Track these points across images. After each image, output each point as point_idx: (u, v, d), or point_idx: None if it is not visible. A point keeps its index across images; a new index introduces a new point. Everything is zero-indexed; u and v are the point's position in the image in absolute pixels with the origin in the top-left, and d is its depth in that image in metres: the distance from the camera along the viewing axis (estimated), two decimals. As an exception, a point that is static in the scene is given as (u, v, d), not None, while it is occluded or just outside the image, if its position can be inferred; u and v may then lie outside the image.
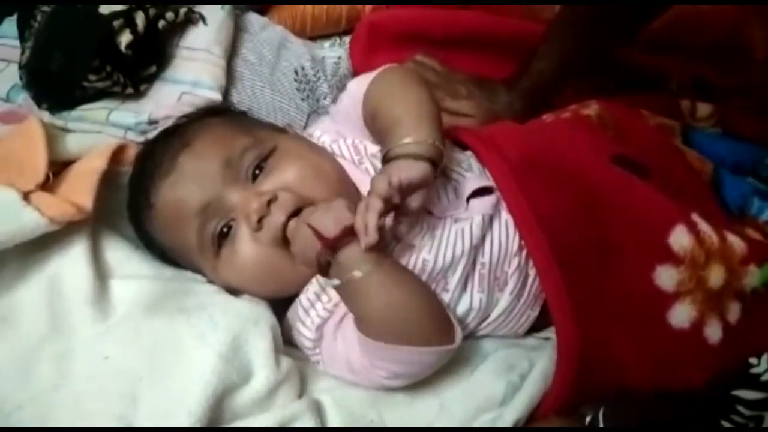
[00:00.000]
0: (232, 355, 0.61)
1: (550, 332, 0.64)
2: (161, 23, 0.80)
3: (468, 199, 0.67)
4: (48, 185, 0.68)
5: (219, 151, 0.66)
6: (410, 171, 0.60)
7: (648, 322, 0.64)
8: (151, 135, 0.75)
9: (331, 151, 0.72)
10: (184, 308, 0.65)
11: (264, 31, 0.91)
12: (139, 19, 0.77)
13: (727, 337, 0.64)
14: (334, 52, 0.96)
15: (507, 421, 0.61)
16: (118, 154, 0.73)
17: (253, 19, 0.91)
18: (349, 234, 0.58)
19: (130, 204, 0.71)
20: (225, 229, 0.65)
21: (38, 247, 0.65)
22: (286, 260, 0.64)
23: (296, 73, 0.89)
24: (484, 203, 0.67)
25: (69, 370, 0.61)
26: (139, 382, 0.60)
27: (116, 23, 0.75)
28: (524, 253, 0.65)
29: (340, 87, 0.92)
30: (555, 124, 0.76)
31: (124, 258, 0.68)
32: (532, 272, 0.66)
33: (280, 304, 0.70)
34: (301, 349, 0.68)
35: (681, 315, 0.64)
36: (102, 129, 0.77)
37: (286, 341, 0.68)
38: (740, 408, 0.57)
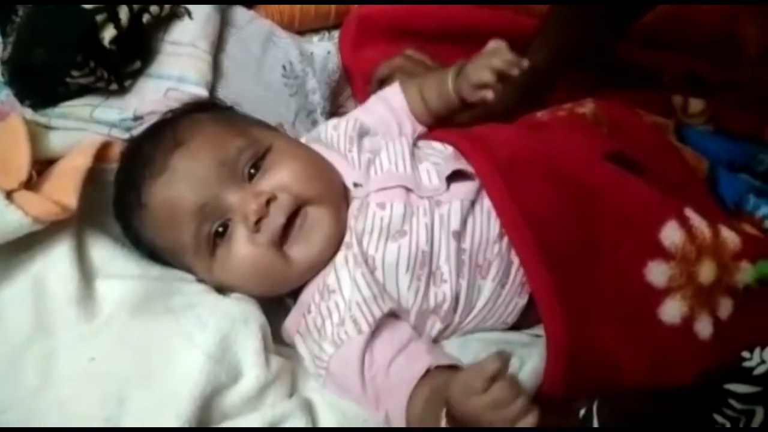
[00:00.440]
0: (221, 355, 0.60)
1: (541, 329, 0.64)
2: (145, 17, 0.79)
3: (450, 183, 0.68)
4: (31, 184, 0.66)
5: (214, 151, 0.66)
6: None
7: (639, 317, 0.64)
8: (137, 131, 0.74)
9: (328, 140, 0.73)
10: (171, 308, 0.64)
11: (251, 24, 0.90)
12: (123, 13, 0.76)
13: (717, 332, 0.64)
14: (323, 46, 0.95)
15: (499, 420, 0.61)
16: (102, 151, 0.72)
17: (240, 12, 0.90)
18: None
19: (117, 201, 0.70)
20: (221, 229, 0.65)
21: (22, 247, 0.64)
22: (281, 261, 0.64)
23: (284, 68, 0.88)
24: (466, 188, 0.68)
25: (54, 371, 0.60)
26: (126, 384, 0.59)
27: (99, 18, 0.74)
28: (505, 240, 0.66)
29: (329, 82, 0.91)
30: (550, 122, 0.76)
31: (109, 257, 0.67)
32: (515, 259, 0.66)
33: (270, 303, 0.69)
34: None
35: (672, 310, 0.64)
36: (86, 126, 0.76)
37: (277, 340, 0.67)
38: (732, 402, 0.57)
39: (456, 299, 0.66)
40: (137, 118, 0.75)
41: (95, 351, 0.61)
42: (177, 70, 0.79)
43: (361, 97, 0.90)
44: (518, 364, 0.64)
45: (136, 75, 0.79)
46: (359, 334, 0.61)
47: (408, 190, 0.67)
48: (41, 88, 0.76)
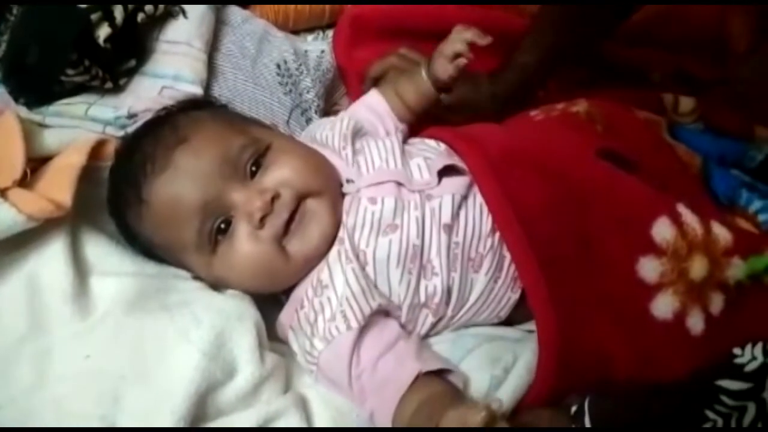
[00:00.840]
0: (216, 352, 0.60)
1: (534, 325, 0.64)
2: (140, 16, 0.79)
3: (441, 178, 0.68)
4: (26, 182, 0.66)
5: (217, 148, 0.66)
6: None
7: (631, 313, 0.65)
8: (131, 129, 0.74)
9: (323, 139, 0.74)
10: (166, 305, 0.64)
11: (246, 24, 0.90)
12: (118, 12, 0.76)
13: (709, 328, 0.64)
14: (318, 45, 0.95)
15: (492, 415, 0.61)
16: (97, 149, 0.71)
17: (235, 11, 0.90)
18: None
19: (113, 198, 0.70)
20: (222, 226, 0.66)
21: (16, 244, 0.64)
22: (282, 257, 0.65)
23: (279, 67, 0.88)
24: (457, 182, 0.68)
25: (49, 369, 0.60)
26: (121, 381, 0.59)
27: (94, 16, 0.74)
28: (497, 234, 0.67)
29: (323, 81, 0.92)
30: (543, 122, 0.77)
31: (104, 254, 0.67)
32: (507, 254, 0.66)
33: (265, 300, 0.69)
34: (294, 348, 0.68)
35: (664, 306, 0.64)
36: (80, 124, 0.76)
37: (272, 336, 0.67)
38: (724, 398, 0.57)
39: (448, 292, 0.66)
40: (132, 116, 0.75)
41: (90, 348, 0.61)
42: (172, 69, 0.79)
43: (355, 95, 0.90)
44: (511, 359, 0.64)
45: (131, 73, 0.79)
46: (348, 329, 0.62)
47: (399, 184, 0.68)
48: (36, 87, 0.76)
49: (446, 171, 0.69)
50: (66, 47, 0.73)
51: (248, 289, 0.68)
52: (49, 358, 0.61)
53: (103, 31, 0.75)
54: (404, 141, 0.76)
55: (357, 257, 0.65)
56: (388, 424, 0.59)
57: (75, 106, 0.77)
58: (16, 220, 0.62)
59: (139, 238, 0.69)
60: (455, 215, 0.67)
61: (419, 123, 0.82)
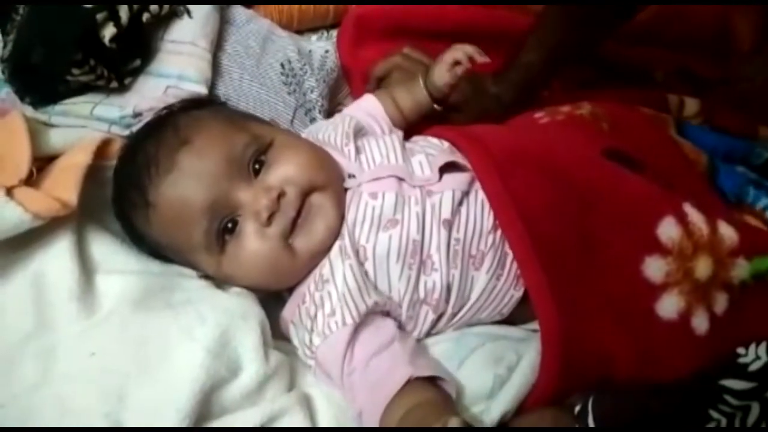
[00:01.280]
0: (221, 350, 0.61)
1: (538, 324, 0.64)
2: (145, 16, 0.79)
3: (442, 174, 0.69)
4: (31, 181, 0.67)
5: (221, 148, 0.66)
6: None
7: (636, 312, 0.64)
8: (136, 128, 0.74)
9: (325, 139, 0.74)
10: (171, 303, 0.64)
11: (250, 23, 0.90)
12: (123, 12, 0.76)
13: (713, 327, 0.64)
14: (322, 45, 0.96)
15: (494, 414, 0.61)
16: (102, 148, 0.72)
17: (239, 11, 0.91)
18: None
19: (118, 200, 0.70)
20: (230, 225, 0.66)
21: (22, 243, 0.65)
22: (289, 254, 0.66)
23: (283, 66, 0.88)
24: (458, 179, 0.69)
25: (54, 367, 0.61)
26: (126, 379, 0.59)
27: (99, 16, 0.74)
28: (499, 232, 0.67)
29: (327, 81, 0.92)
30: (548, 125, 0.77)
31: (109, 253, 0.68)
32: (510, 252, 0.66)
33: (269, 298, 0.70)
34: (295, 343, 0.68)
35: (669, 306, 0.64)
36: (86, 123, 0.76)
37: (277, 335, 0.68)
38: (728, 398, 0.57)
39: (447, 289, 0.66)
40: (137, 115, 0.75)
41: (95, 346, 0.61)
42: (177, 69, 0.79)
43: (359, 95, 0.90)
44: (515, 359, 0.64)
45: (136, 73, 0.79)
46: (344, 326, 0.62)
47: (400, 180, 0.68)
48: (41, 86, 0.76)
49: (447, 168, 0.69)
50: (71, 47, 0.73)
51: (256, 286, 0.68)
52: (54, 356, 0.61)
53: (109, 31, 0.75)
54: (406, 139, 0.76)
55: (356, 253, 0.65)
56: (375, 425, 0.59)
57: (80, 105, 0.77)
58: (22, 219, 0.62)
59: (145, 240, 0.69)
60: (455, 211, 0.67)
61: (421, 125, 0.82)
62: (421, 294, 0.66)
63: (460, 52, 0.77)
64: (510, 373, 0.63)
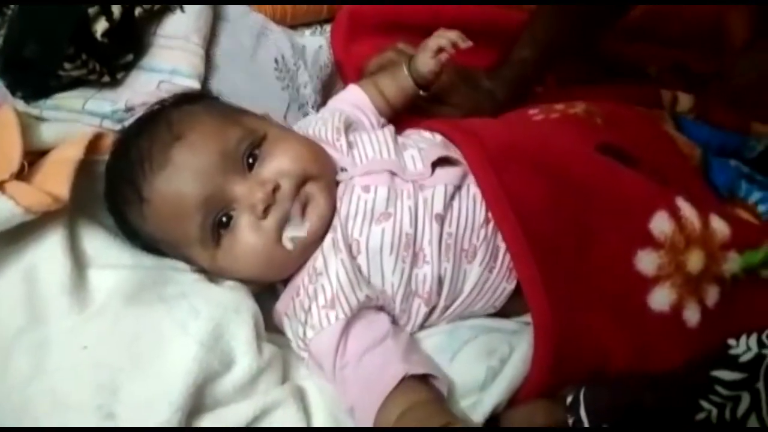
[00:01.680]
0: (214, 343, 0.61)
1: (531, 317, 0.65)
2: (138, 10, 0.79)
3: (434, 169, 0.69)
4: (23, 175, 0.66)
5: (215, 143, 0.66)
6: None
7: (628, 305, 0.65)
8: (128, 122, 0.74)
9: (316, 134, 0.74)
10: (164, 297, 0.64)
11: (243, 18, 0.90)
12: (115, 6, 0.76)
13: (705, 320, 0.65)
14: (315, 40, 0.96)
15: (487, 406, 0.62)
16: (94, 142, 0.71)
17: (233, 6, 0.90)
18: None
19: (111, 195, 0.70)
20: (224, 219, 0.66)
21: (14, 237, 0.64)
22: (283, 246, 0.66)
23: (276, 61, 0.88)
24: (450, 173, 0.69)
25: (46, 360, 0.60)
26: (118, 373, 0.59)
27: (91, 10, 0.74)
28: (491, 225, 0.67)
29: (321, 76, 0.92)
30: (542, 122, 0.77)
31: (102, 247, 0.67)
32: (502, 244, 0.67)
33: (263, 291, 0.70)
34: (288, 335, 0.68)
35: (661, 298, 0.65)
36: (78, 117, 0.75)
37: (270, 327, 0.68)
38: (719, 388, 0.58)
39: (439, 281, 0.66)
40: (129, 110, 0.75)
41: (88, 340, 0.61)
42: (169, 63, 0.79)
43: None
44: (507, 351, 0.64)
45: (129, 68, 0.79)
46: (336, 320, 0.62)
47: (393, 174, 0.68)
48: (33, 80, 0.76)
49: (440, 162, 0.69)
50: (63, 41, 0.73)
51: (250, 279, 0.68)
52: (46, 350, 0.61)
53: (101, 26, 0.75)
54: (399, 133, 0.76)
55: (349, 247, 0.65)
56: (369, 423, 0.59)
57: (72, 99, 0.76)
58: (13, 213, 0.62)
59: (139, 235, 0.69)
60: (448, 205, 0.67)
61: (413, 119, 0.82)
62: (413, 286, 0.66)
63: (444, 38, 0.77)
64: (502, 365, 0.63)
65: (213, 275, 0.69)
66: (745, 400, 0.57)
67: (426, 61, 0.78)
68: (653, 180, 0.69)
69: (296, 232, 0.66)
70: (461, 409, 0.62)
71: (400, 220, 0.66)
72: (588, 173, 0.69)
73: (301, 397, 0.62)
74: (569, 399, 0.60)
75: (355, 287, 0.63)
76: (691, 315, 0.64)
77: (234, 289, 0.67)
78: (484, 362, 0.63)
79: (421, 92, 0.81)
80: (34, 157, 0.70)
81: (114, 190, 0.69)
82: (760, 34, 0.91)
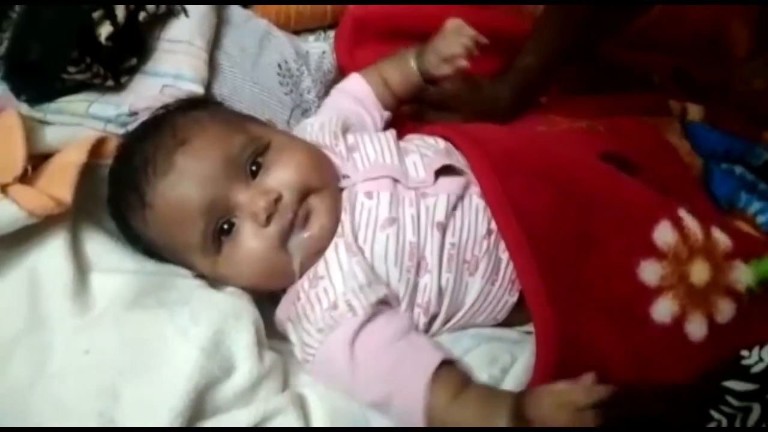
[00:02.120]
0: (214, 350, 0.60)
1: (533, 326, 0.64)
2: (142, 15, 0.79)
3: (437, 177, 0.69)
4: (26, 178, 0.66)
5: (219, 150, 0.66)
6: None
7: (631, 315, 0.65)
8: (132, 127, 0.74)
9: (314, 141, 0.74)
10: (165, 302, 0.64)
11: (247, 23, 0.90)
12: (119, 10, 0.76)
13: (712, 334, 0.64)
14: (319, 45, 0.95)
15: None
16: (98, 146, 0.72)
17: (236, 11, 0.90)
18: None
19: (114, 200, 0.70)
20: (226, 226, 0.66)
21: (16, 240, 0.64)
22: (285, 255, 0.65)
23: (279, 67, 0.88)
24: (453, 183, 0.68)
25: (48, 364, 0.60)
26: (119, 377, 0.59)
27: (96, 15, 0.74)
28: (493, 237, 0.67)
29: (324, 81, 0.92)
30: (547, 132, 0.77)
31: (104, 252, 0.67)
32: (504, 256, 0.66)
33: (263, 297, 0.69)
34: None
35: (663, 309, 0.65)
36: (82, 121, 0.76)
37: (271, 334, 0.67)
38: (729, 398, 0.57)
39: (439, 291, 0.66)
40: (133, 114, 0.75)
41: (89, 344, 0.61)
42: (173, 67, 0.79)
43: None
44: (509, 360, 0.64)
45: (133, 72, 0.79)
46: (354, 316, 0.62)
47: (395, 180, 0.68)
48: (37, 84, 0.76)
49: (442, 170, 0.69)
50: (67, 45, 0.73)
51: (251, 286, 0.68)
52: (48, 353, 0.61)
53: (105, 29, 0.75)
54: (401, 137, 0.76)
55: (362, 252, 0.65)
56: (417, 410, 0.58)
57: (76, 103, 0.76)
58: (17, 216, 0.62)
59: (141, 240, 0.69)
60: (450, 215, 0.67)
61: (416, 124, 0.82)
62: (415, 295, 0.66)
63: (457, 45, 0.76)
64: (504, 374, 0.63)
65: (214, 282, 0.69)
66: (756, 411, 0.57)
67: (438, 64, 0.78)
68: (656, 189, 0.69)
69: (299, 240, 0.65)
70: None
71: (403, 227, 0.66)
72: (591, 181, 0.69)
73: (301, 404, 0.62)
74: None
75: (374, 286, 0.63)
76: (695, 328, 0.64)
77: (235, 296, 0.67)
78: (485, 371, 0.63)
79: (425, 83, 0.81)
80: (37, 160, 0.70)
81: (117, 194, 0.69)
82: (763, 43, 0.91)
